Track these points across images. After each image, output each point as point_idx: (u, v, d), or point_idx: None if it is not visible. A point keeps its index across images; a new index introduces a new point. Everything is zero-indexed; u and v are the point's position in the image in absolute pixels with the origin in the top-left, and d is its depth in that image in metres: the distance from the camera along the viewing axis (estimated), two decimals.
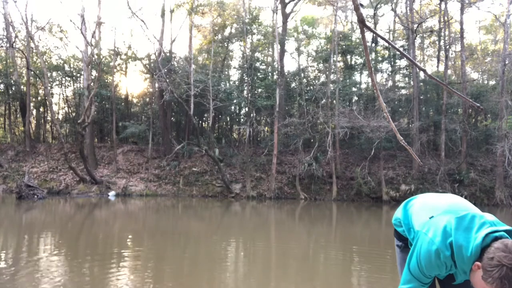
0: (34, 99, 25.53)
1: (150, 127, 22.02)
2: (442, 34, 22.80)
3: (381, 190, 18.40)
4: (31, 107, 24.50)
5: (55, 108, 26.43)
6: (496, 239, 1.59)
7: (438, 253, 1.71)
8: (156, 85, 22.05)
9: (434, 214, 1.86)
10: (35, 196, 16.06)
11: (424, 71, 1.63)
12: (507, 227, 1.67)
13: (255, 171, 20.66)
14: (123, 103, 26.11)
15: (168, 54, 22.35)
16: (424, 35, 24.76)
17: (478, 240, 1.62)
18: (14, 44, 22.57)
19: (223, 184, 19.61)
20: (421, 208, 2.02)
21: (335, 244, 9.07)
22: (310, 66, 25.77)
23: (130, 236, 9.27)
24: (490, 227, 1.66)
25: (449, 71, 22.82)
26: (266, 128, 26.20)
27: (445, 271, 1.79)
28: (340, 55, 23.36)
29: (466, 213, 1.75)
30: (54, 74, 25.33)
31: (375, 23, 24.46)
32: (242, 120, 25.83)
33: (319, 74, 25.30)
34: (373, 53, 23.16)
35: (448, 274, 1.85)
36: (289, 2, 23.61)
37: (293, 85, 24.41)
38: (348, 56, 24.93)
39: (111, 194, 18.77)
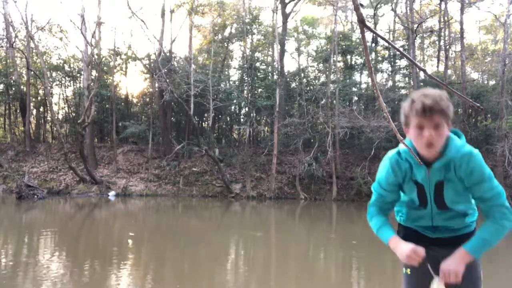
0: (34, 99, 25.52)
1: (150, 127, 22.01)
2: (442, 34, 22.79)
3: None
4: (31, 107, 24.48)
5: (55, 108, 26.43)
6: None
7: (388, 158, 1.96)
8: (156, 85, 22.04)
9: None
10: (35, 196, 16.05)
11: (424, 71, 1.63)
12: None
13: (255, 171, 20.66)
14: (123, 103, 26.10)
15: (168, 54, 22.34)
16: (424, 35, 24.75)
17: None
18: (14, 44, 22.54)
19: (223, 184, 19.60)
20: None
21: (335, 244, 9.07)
22: (310, 66, 25.78)
23: (130, 235, 9.27)
24: None
25: (449, 71, 22.80)
26: (266, 128, 26.19)
27: (401, 174, 1.92)
28: (340, 55, 23.34)
29: None
30: (54, 74, 25.31)
31: (375, 23, 24.46)
32: (242, 120, 25.82)
33: (319, 74, 25.30)
34: (373, 53, 23.15)
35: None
36: (289, 2, 23.58)
37: (293, 85, 24.39)
38: (348, 56, 24.91)
39: (111, 194, 18.77)
